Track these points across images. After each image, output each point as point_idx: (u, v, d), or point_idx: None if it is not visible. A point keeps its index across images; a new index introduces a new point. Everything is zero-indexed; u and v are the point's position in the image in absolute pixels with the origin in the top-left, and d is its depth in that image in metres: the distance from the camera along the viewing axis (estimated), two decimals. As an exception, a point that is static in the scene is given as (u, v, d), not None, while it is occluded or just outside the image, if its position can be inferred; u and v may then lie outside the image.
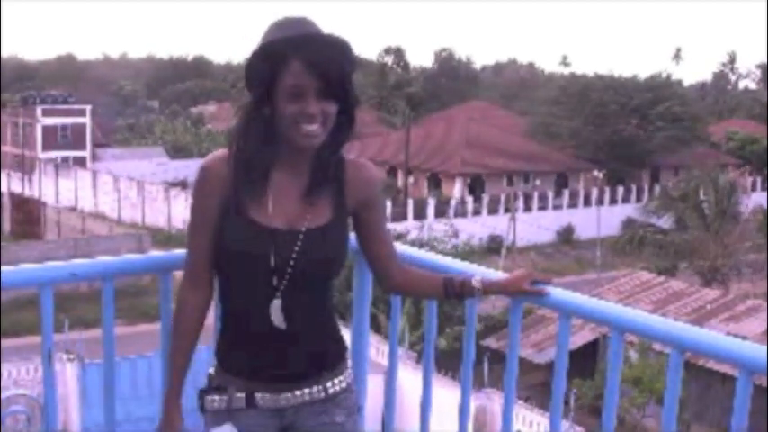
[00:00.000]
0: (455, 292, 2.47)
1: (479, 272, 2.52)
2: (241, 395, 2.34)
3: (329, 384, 2.40)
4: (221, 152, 2.34)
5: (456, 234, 32.65)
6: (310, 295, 2.34)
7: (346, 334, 2.53)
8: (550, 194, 50.75)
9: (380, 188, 2.50)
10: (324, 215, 2.33)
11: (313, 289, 2.35)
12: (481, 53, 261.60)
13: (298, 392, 2.36)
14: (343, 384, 2.44)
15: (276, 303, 2.29)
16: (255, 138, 2.26)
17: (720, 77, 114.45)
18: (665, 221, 38.66)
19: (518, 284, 2.42)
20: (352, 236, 2.47)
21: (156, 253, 2.79)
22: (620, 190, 52.48)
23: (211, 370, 2.42)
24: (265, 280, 2.28)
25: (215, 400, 2.36)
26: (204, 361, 2.50)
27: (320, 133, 2.22)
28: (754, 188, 56.39)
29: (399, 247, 2.66)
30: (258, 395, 2.35)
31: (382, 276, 2.53)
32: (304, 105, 2.18)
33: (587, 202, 50.59)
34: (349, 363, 2.51)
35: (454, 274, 2.52)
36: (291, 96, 2.18)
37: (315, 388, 2.38)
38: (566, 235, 48.87)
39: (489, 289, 2.45)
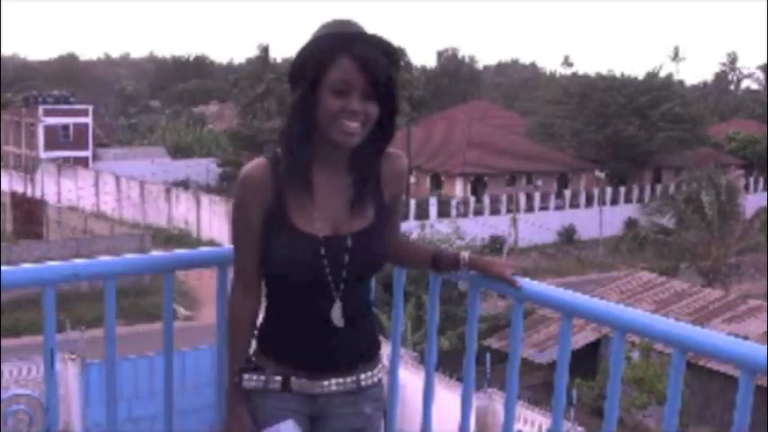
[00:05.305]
0: (443, 264, 2.54)
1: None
2: (278, 378, 2.41)
3: (362, 377, 2.45)
4: (261, 160, 2.37)
5: (460, 235, 32.57)
6: (359, 295, 2.43)
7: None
8: (552, 194, 50.76)
9: (407, 178, 2.57)
10: (366, 216, 2.37)
11: (361, 288, 2.44)
12: (483, 53, 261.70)
13: (333, 380, 2.42)
14: (375, 379, 2.50)
15: (337, 306, 2.35)
16: (297, 136, 2.29)
17: (722, 78, 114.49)
18: (667, 221, 38.68)
19: (501, 269, 2.47)
20: None
21: (157, 253, 2.79)
22: (622, 190, 52.51)
23: (251, 351, 2.48)
24: (320, 286, 2.33)
25: (252, 379, 2.42)
26: (208, 361, 2.51)
27: (360, 132, 2.24)
28: (756, 188, 56.42)
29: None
30: (294, 380, 2.40)
31: None
32: (348, 102, 2.20)
33: (589, 203, 50.60)
34: (383, 358, 2.56)
35: (444, 248, 2.61)
36: (336, 92, 2.20)
37: (349, 379, 2.43)
38: (567, 235, 48.89)
39: (474, 264, 2.51)
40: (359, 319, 2.41)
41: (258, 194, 2.32)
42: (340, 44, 2.20)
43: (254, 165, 2.36)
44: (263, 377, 2.41)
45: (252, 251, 2.37)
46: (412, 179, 52.10)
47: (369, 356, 2.47)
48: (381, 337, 2.60)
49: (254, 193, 2.32)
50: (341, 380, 2.42)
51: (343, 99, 2.20)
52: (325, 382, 2.41)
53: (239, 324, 2.45)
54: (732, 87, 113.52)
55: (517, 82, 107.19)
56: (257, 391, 2.41)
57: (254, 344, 2.47)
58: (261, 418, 2.41)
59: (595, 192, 51.16)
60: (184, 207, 45.93)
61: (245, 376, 2.42)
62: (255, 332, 2.47)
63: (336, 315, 2.34)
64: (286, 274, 2.35)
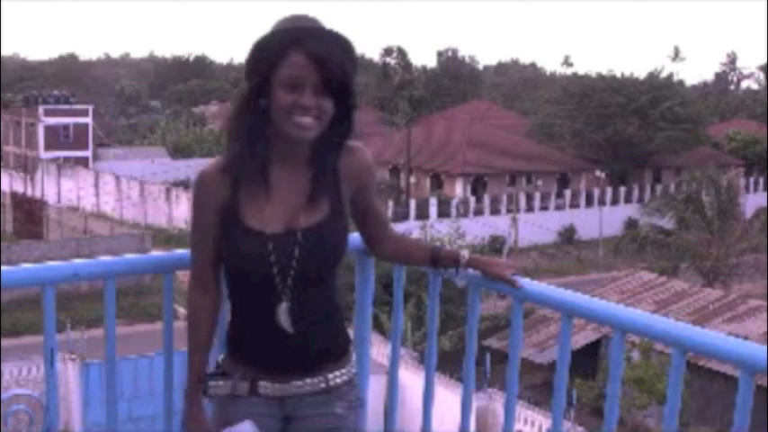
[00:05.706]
0: (442, 261, 2.51)
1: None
2: (245, 383, 2.37)
3: (331, 376, 2.41)
4: (217, 159, 2.35)
5: (462, 235, 32.56)
6: (316, 293, 2.36)
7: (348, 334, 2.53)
8: (552, 194, 50.74)
9: (374, 170, 2.51)
10: (321, 210, 2.32)
11: (318, 286, 2.36)
12: (484, 53, 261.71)
13: (300, 383, 2.38)
14: (345, 378, 2.45)
15: (283, 307, 2.30)
16: (250, 131, 2.26)
17: (722, 78, 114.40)
18: (667, 222, 38.67)
19: (501, 268, 2.45)
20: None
21: (157, 253, 2.79)
22: (622, 190, 52.50)
23: (220, 357, 2.45)
24: (269, 285, 2.29)
25: (219, 386, 2.39)
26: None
27: (313, 126, 2.21)
28: (756, 188, 56.42)
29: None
30: (261, 383, 2.37)
31: (373, 245, 2.60)
32: (299, 97, 2.17)
33: (589, 203, 50.59)
34: (353, 357, 2.52)
35: (443, 246, 2.58)
36: (288, 87, 2.17)
37: (316, 379, 2.39)
38: (567, 235, 48.88)
39: (474, 264, 2.49)
40: (314, 321, 2.35)
41: (213, 193, 2.30)
42: (292, 39, 2.17)
43: (210, 164, 2.34)
44: (230, 382, 2.37)
45: (208, 251, 2.35)
46: (412, 179, 52.10)
47: (335, 356, 2.42)
48: (381, 337, 2.59)
49: (209, 193, 2.31)
50: (308, 380, 2.38)
51: (295, 94, 2.17)
52: (292, 384, 2.37)
53: (197, 325, 2.42)
54: (732, 87, 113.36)
55: (517, 82, 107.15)
56: (226, 396, 2.38)
57: (224, 348, 2.44)
58: (232, 424, 2.36)
59: (595, 192, 51.15)
60: (184, 207, 45.89)
61: (212, 383, 2.38)
62: (225, 337, 2.44)
63: (283, 315, 2.29)
64: (238, 273, 2.33)
